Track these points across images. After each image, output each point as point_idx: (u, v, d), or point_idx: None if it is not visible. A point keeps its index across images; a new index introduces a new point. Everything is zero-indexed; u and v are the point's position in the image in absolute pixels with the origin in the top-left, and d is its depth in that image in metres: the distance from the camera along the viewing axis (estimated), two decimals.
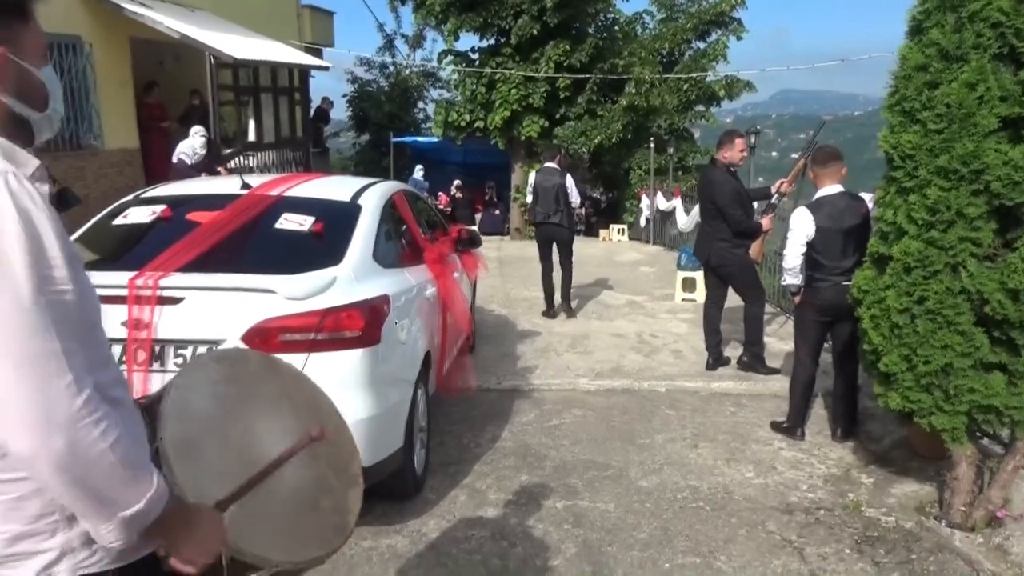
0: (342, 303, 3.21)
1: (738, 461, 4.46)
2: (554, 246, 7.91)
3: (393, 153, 18.51)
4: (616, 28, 18.52)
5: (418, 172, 18.64)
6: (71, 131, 10.09)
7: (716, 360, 6.14)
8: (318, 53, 17.30)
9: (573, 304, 8.15)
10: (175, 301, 3.03)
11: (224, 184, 4.31)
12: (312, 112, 17.45)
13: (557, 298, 8.06)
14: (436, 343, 4.34)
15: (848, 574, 3.27)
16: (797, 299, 4.72)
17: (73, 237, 3.72)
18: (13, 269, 1.07)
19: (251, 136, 13.03)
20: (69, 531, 1.19)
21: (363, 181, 4.48)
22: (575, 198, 8.00)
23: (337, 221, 3.73)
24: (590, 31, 17.91)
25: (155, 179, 11.12)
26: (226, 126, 12.42)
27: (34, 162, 1.23)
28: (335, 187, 4.29)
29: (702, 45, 18.70)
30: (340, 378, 3.10)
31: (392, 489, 3.68)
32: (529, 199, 8.23)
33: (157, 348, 3.01)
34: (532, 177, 8.21)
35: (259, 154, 12.96)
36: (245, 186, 3.94)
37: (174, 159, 10.75)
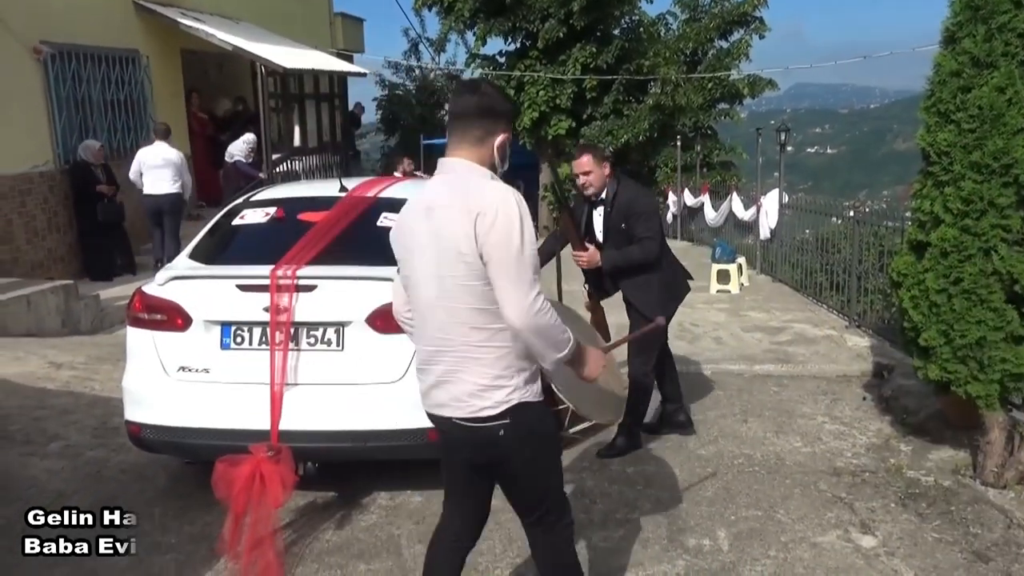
0: None
1: (785, 433, 4.89)
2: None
3: (423, 155, 18.95)
4: (641, 29, 18.89)
5: None
6: (131, 140, 10.65)
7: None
8: (349, 59, 17.84)
9: None
10: (310, 289, 3.51)
11: (323, 187, 4.78)
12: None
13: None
14: None
15: (895, 523, 3.70)
16: None
17: (199, 235, 4.21)
18: (520, 236, 2.06)
19: (296, 141, 13.58)
20: (518, 376, 2.19)
21: None
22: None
23: None
24: (615, 33, 18.35)
25: (201, 182, 11.70)
26: (272, 132, 12.98)
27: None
28: (419, 189, 4.74)
29: (725, 44, 19.00)
30: None
31: None
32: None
33: (294, 330, 3.49)
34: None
35: (304, 158, 13.50)
36: (343, 189, 4.42)
37: (229, 160, 11.31)
